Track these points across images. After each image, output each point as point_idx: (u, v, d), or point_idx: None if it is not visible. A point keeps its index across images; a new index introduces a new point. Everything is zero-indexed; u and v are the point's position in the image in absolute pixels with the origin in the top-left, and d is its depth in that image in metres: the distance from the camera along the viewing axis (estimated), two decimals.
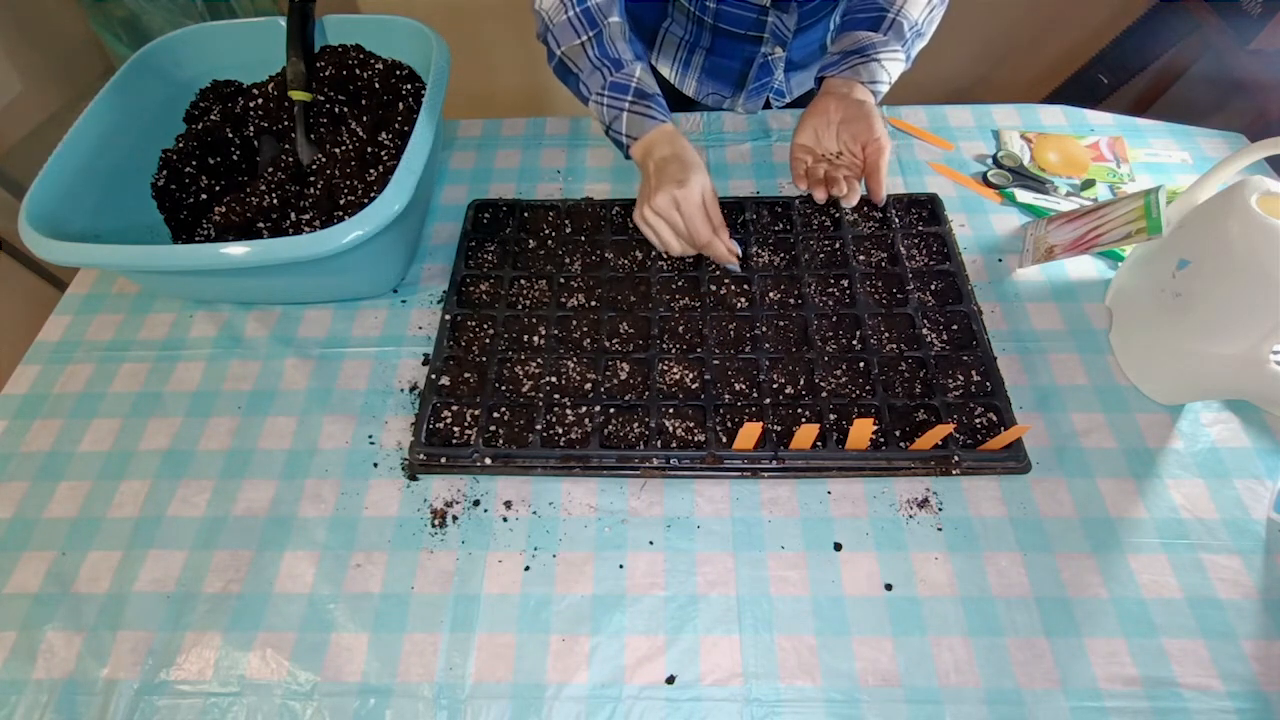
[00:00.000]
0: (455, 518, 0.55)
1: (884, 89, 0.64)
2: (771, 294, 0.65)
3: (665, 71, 0.85)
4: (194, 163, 0.71)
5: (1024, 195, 0.73)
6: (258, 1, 1.30)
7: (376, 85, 0.74)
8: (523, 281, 0.67)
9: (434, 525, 0.55)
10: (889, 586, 0.50)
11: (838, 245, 0.68)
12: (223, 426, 0.61)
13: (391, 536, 0.54)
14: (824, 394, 0.58)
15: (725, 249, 0.62)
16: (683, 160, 0.60)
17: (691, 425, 0.57)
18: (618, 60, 0.62)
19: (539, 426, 0.57)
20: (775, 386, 0.59)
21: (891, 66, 0.63)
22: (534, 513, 0.55)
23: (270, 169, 0.68)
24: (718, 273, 0.67)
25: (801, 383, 0.59)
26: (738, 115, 0.83)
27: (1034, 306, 0.65)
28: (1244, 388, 0.55)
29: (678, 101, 0.87)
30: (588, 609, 0.50)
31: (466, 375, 0.61)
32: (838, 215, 0.71)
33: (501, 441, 0.57)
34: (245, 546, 0.54)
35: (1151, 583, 0.50)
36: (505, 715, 0.47)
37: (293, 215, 0.66)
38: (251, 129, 0.74)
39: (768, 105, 0.86)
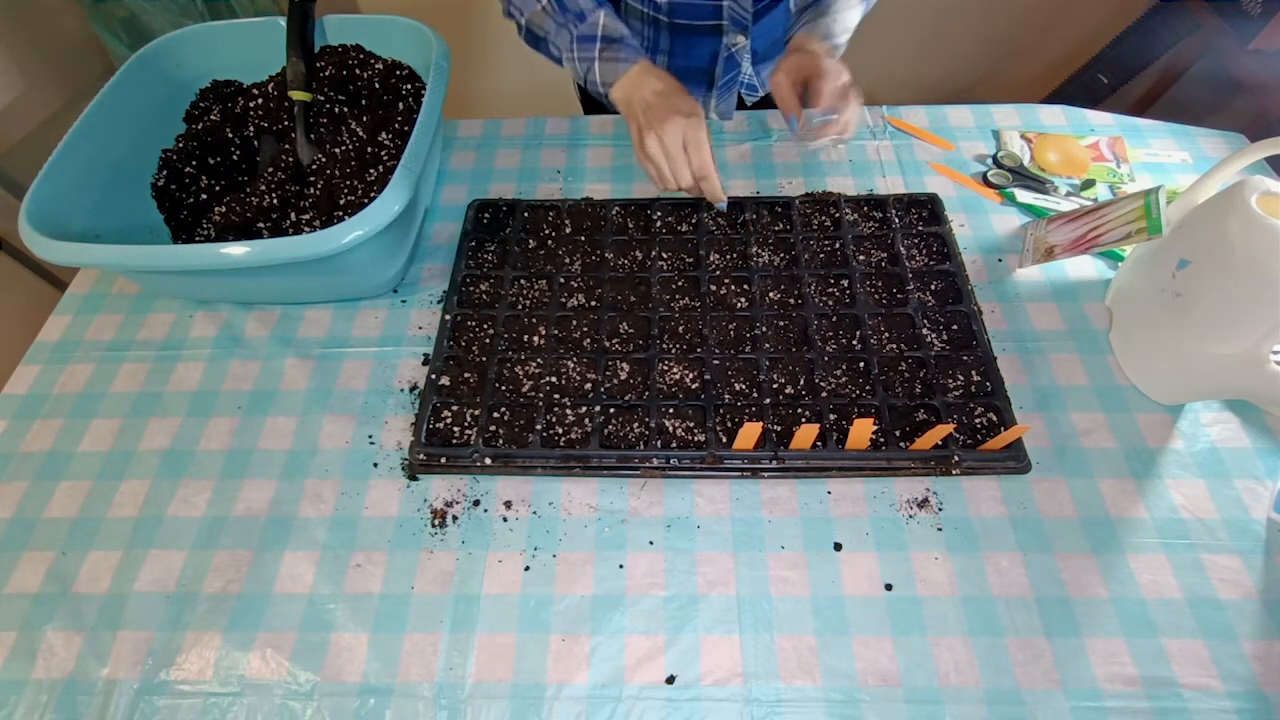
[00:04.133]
0: (455, 518, 0.55)
1: (842, 40, 0.64)
2: (771, 294, 0.65)
3: None
4: (194, 163, 0.72)
5: (1024, 195, 0.73)
6: (258, 1, 1.30)
7: (376, 85, 0.74)
8: (523, 281, 0.67)
9: (434, 525, 0.55)
10: (889, 586, 0.50)
11: (838, 245, 0.68)
12: (223, 426, 0.61)
13: (391, 536, 0.54)
14: (824, 394, 0.58)
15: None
16: (679, 92, 0.60)
17: (691, 425, 0.57)
18: (580, 13, 0.62)
19: (539, 426, 0.57)
20: (775, 386, 0.59)
21: (846, 16, 0.63)
22: (534, 513, 0.55)
23: (270, 169, 0.68)
24: (718, 272, 0.67)
25: (801, 383, 0.59)
26: (736, 115, 0.82)
27: (1034, 306, 0.65)
28: (1244, 388, 0.55)
29: None
30: (588, 609, 0.50)
31: (466, 375, 0.61)
32: (838, 215, 0.71)
33: (501, 441, 0.57)
34: (245, 546, 0.54)
35: (1151, 583, 0.50)
36: (505, 715, 0.47)
37: (293, 215, 0.66)
38: (251, 129, 0.74)
39: (741, 105, 0.85)
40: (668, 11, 0.72)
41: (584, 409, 0.58)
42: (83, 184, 0.63)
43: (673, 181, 0.62)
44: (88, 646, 0.50)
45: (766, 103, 0.86)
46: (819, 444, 0.55)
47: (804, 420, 0.57)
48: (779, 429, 0.57)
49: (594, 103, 0.93)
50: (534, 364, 0.61)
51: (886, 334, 0.62)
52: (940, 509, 0.54)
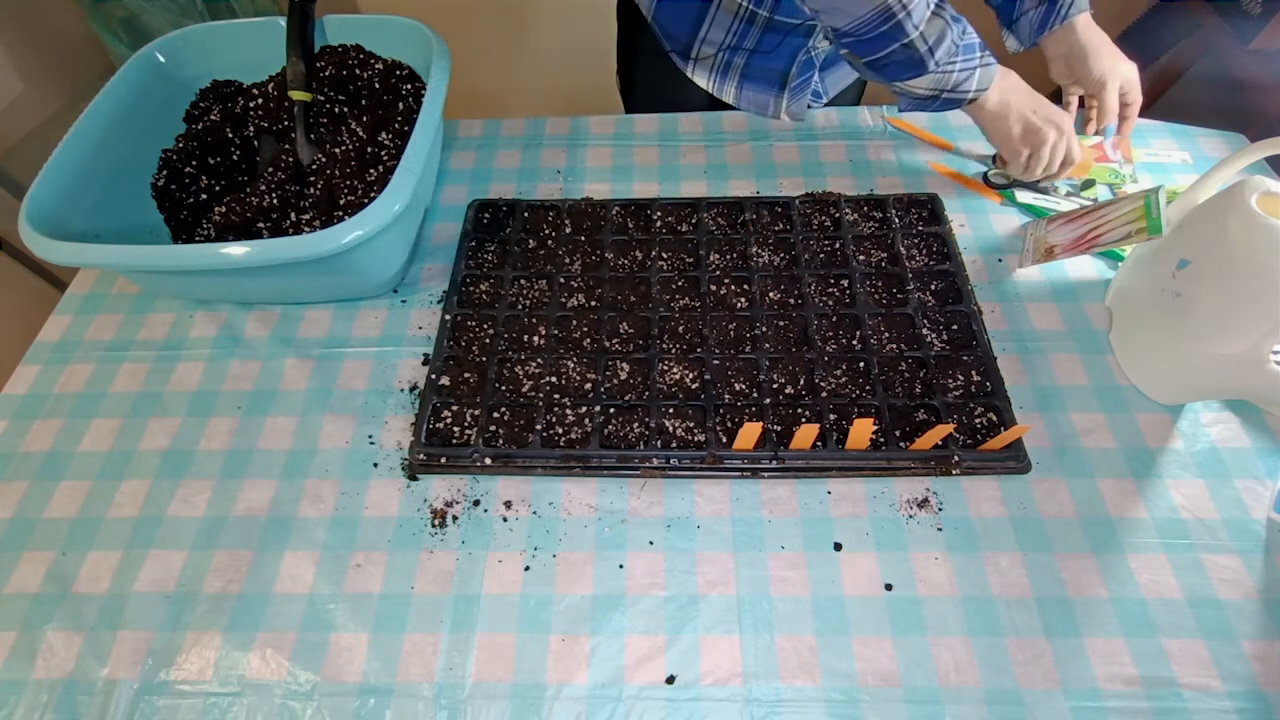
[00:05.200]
0: (455, 518, 0.55)
1: (1084, 5, 0.74)
2: (771, 294, 0.65)
3: (702, 81, 0.81)
4: (194, 163, 0.71)
5: (1024, 195, 0.73)
6: (258, 1, 1.30)
7: (376, 85, 0.74)
8: (523, 281, 0.67)
9: (434, 525, 0.55)
10: (889, 586, 0.50)
11: (838, 245, 0.68)
12: (223, 426, 0.61)
13: (391, 536, 0.54)
14: (824, 394, 0.58)
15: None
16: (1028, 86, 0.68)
17: (691, 425, 0.57)
18: (955, 17, 0.59)
19: (539, 426, 0.57)
20: (775, 386, 0.59)
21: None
22: (534, 513, 0.55)
23: (270, 169, 0.68)
24: (718, 272, 0.67)
25: (801, 383, 0.59)
26: (736, 115, 0.82)
27: (1034, 306, 0.65)
28: (1244, 388, 0.55)
29: (715, 106, 0.83)
30: (588, 609, 0.50)
31: (466, 375, 0.61)
32: (838, 215, 0.71)
33: (501, 441, 0.57)
34: (245, 546, 0.54)
35: (1151, 583, 0.50)
36: (505, 715, 0.47)
37: (293, 215, 0.66)
38: (251, 129, 0.74)
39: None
40: (769, 8, 0.70)
41: (584, 409, 0.58)
42: (83, 184, 0.63)
43: (1054, 165, 0.68)
44: (88, 646, 0.50)
45: (830, 105, 0.85)
46: (819, 444, 0.55)
47: (804, 420, 0.57)
48: (779, 429, 0.57)
49: (637, 101, 0.93)
50: (534, 364, 0.61)
51: (886, 334, 0.62)
52: (940, 509, 0.54)
